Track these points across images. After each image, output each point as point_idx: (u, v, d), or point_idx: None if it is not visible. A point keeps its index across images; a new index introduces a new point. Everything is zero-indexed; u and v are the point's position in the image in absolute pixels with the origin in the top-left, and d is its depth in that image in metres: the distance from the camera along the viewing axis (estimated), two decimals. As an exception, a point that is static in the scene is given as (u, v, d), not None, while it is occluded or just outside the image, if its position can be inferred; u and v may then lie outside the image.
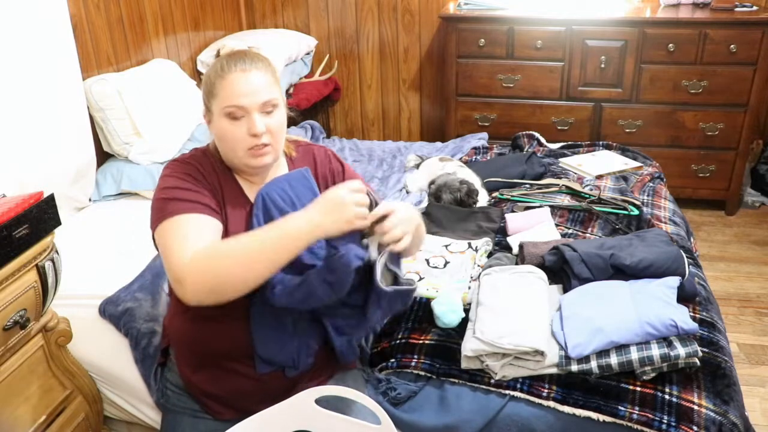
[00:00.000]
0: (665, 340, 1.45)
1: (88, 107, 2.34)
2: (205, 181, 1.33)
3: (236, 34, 3.61)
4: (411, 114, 3.97)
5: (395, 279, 1.28)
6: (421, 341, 1.58)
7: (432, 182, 2.31)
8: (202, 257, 1.16)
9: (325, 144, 2.94)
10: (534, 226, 2.00)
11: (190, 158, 1.37)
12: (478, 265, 1.83)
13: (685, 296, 1.63)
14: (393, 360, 1.55)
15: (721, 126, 3.13)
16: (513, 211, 2.16)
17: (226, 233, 1.30)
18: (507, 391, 1.45)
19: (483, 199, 2.27)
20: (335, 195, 1.18)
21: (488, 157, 2.80)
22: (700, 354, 1.45)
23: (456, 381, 1.49)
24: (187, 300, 1.16)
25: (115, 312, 1.74)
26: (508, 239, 1.98)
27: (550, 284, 1.71)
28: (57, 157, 2.15)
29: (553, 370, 1.46)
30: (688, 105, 3.14)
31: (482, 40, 3.23)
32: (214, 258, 1.16)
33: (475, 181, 2.30)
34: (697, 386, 1.42)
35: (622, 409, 1.38)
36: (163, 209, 1.26)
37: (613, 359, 1.44)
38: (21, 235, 1.40)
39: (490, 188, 2.36)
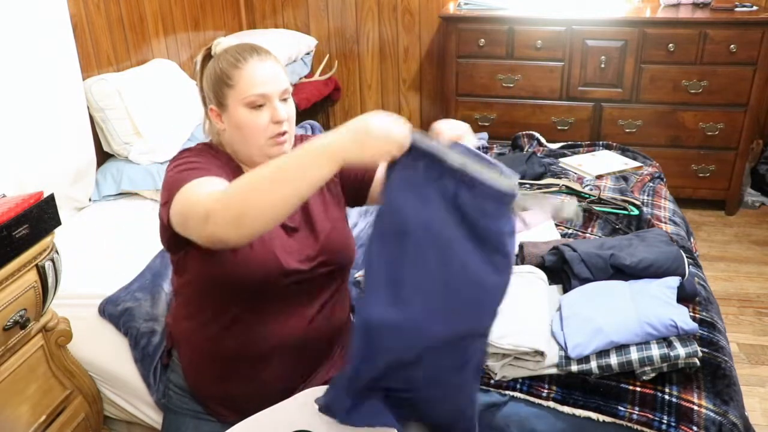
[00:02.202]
0: (665, 340, 1.45)
1: (88, 107, 2.34)
2: (216, 164, 1.28)
3: (236, 34, 3.61)
4: (411, 114, 3.97)
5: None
6: (421, 341, 1.58)
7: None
8: (227, 189, 1.07)
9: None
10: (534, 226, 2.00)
11: (199, 150, 1.33)
12: (478, 265, 1.83)
13: (685, 296, 1.63)
14: (393, 360, 1.55)
15: (721, 126, 3.13)
16: (513, 212, 2.16)
17: None
18: (507, 392, 1.45)
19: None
20: (373, 121, 1.00)
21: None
22: (700, 354, 1.44)
23: (456, 381, 1.49)
24: (216, 236, 1.04)
25: (114, 312, 1.74)
26: (508, 239, 1.98)
27: (550, 284, 1.71)
28: (57, 157, 2.14)
29: (553, 371, 1.46)
30: (688, 105, 3.14)
31: (482, 40, 3.23)
32: (238, 186, 1.05)
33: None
34: (697, 386, 1.42)
35: (622, 409, 1.38)
36: (179, 180, 1.19)
37: (613, 359, 1.44)
38: (21, 235, 1.40)
39: (490, 188, 2.36)
